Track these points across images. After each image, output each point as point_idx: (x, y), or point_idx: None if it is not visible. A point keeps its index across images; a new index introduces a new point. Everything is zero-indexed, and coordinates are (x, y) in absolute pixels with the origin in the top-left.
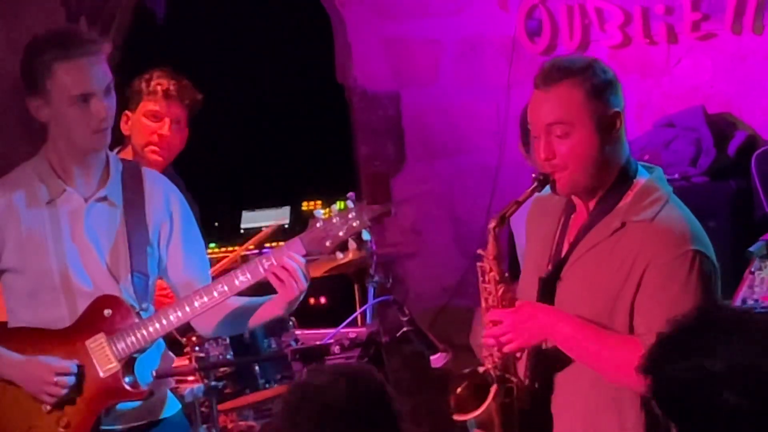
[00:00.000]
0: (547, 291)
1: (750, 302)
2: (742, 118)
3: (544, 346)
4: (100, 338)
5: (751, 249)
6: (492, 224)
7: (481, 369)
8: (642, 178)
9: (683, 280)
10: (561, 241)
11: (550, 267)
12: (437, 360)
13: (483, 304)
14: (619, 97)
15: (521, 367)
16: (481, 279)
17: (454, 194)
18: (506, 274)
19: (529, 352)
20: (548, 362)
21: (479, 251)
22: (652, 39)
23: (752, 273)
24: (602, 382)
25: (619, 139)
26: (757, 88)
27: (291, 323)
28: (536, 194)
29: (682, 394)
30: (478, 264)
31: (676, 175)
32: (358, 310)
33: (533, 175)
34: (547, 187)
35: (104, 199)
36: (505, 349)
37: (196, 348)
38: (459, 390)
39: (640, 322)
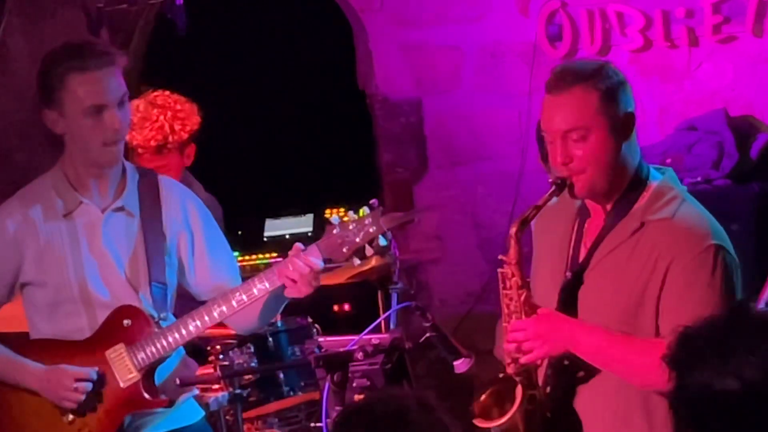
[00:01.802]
0: (568, 297)
1: None
2: (764, 121)
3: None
4: (120, 348)
5: None
6: (513, 229)
7: (503, 375)
8: (655, 180)
9: (708, 276)
10: (578, 246)
11: (569, 274)
12: (461, 365)
13: (505, 310)
14: (630, 99)
15: (541, 375)
16: (502, 285)
17: (476, 200)
18: (528, 280)
19: (549, 359)
20: (570, 369)
21: (501, 257)
22: (673, 42)
23: None
24: (628, 387)
25: (632, 141)
26: None
27: (315, 330)
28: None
29: (703, 401)
30: (499, 270)
31: (699, 179)
32: (382, 316)
33: (550, 180)
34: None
35: (121, 209)
36: (526, 358)
37: (221, 356)
38: (483, 397)
39: (667, 322)
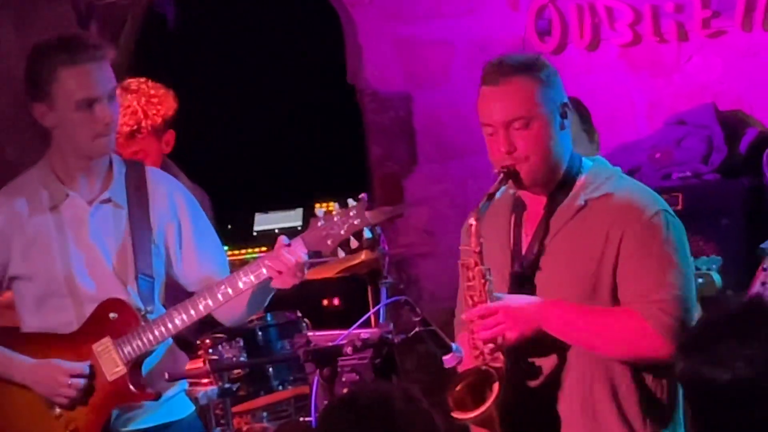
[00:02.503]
0: (522, 285)
1: None
2: (754, 115)
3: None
4: (107, 342)
5: (763, 246)
6: (472, 219)
7: (476, 367)
8: (587, 166)
9: (662, 238)
10: (518, 239)
11: (516, 266)
12: (450, 360)
13: (469, 302)
14: (563, 89)
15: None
16: (464, 277)
17: (466, 194)
18: (489, 268)
19: (507, 349)
20: (532, 354)
21: (461, 247)
22: (662, 37)
23: (765, 269)
24: (593, 372)
25: (566, 130)
26: (767, 84)
27: (304, 325)
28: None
29: (695, 386)
30: (460, 261)
31: (688, 173)
32: (371, 311)
33: (495, 171)
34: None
35: (108, 201)
36: (502, 341)
37: (210, 350)
38: (457, 389)
39: (629, 288)
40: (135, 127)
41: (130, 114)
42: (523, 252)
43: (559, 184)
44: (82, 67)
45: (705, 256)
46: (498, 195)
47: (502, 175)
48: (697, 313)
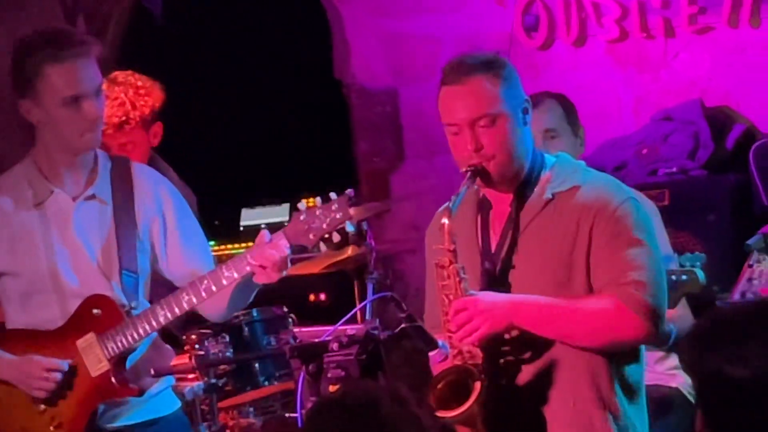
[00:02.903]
0: (494, 283)
1: (749, 295)
2: (740, 111)
3: (506, 337)
4: (90, 338)
5: (749, 242)
6: (444, 219)
7: (457, 366)
8: (551, 161)
9: (632, 223)
10: (486, 237)
11: (487, 264)
12: (436, 356)
13: (444, 301)
14: (521, 86)
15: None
16: (438, 276)
17: (453, 190)
18: (463, 266)
19: (487, 345)
20: (512, 350)
21: (435, 246)
22: (649, 33)
23: (751, 266)
24: (573, 355)
25: (528, 127)
26: (754, 80)
27: (290, 320)
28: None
29: (712, 385)
30: (434, 261)
31: (675, 169)
32: (357, 307)
33: (463, 170)
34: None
35: (93, 197)
36: (472, 338)
37: (196, 345)
38: (439, 387)
39: (602, 273)
40: (123, 118)
41: (118, 105)
42: (493, 250)
43: (524, 181)
44: (69, 64)
45: (689, 253)
46: (462, 194)
47: (469, 173)
48: (684, 309)
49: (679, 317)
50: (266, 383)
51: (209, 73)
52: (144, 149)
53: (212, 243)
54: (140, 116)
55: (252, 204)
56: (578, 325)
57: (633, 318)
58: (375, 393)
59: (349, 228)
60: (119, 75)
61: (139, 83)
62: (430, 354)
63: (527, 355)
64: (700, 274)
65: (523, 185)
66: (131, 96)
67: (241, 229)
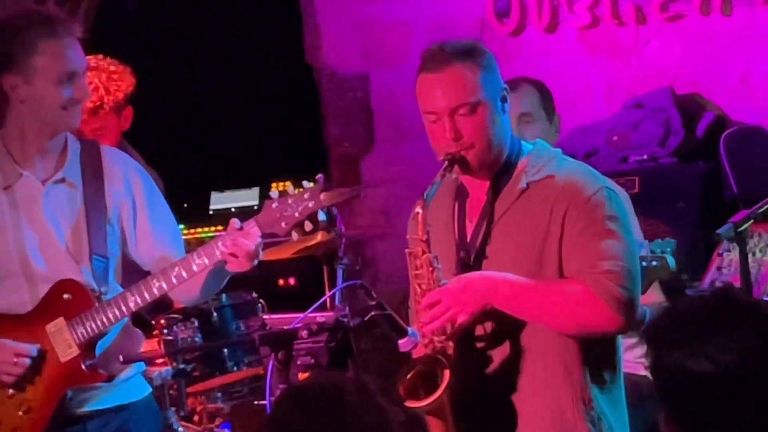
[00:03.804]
0: (469, 270)
1: (718, 284)
2: (711, 99)
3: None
4: (60, 323)
5: (719, 231)
6: (418, 208)
7: (426, 355)
8: (528, 149)
9: (605, 213)
10: (463, 225)
11: (462, 252)
12: (405, 344)
13: (417, 290)
14: (500, 73)
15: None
16: (411, 266)
17: (424, 176)
18: (436, 255)
19: (460, 339)
20: (483, 339)
21: (408, 236)
22: (620, 20)
23: (720, 255)
24: (545, 344)
25: (506, 115)
26: (725, 69)
27: (260, 306)
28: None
29: (677, 380)
30: (407, 250)
31: (645, 156)
32: (326, 295)
33: (440, 158)
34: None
35: (62, 180)
36: (458, 321)
37: (165, 330)
38: (408, 377)
39: (575, 262)
40: (98, 103)
41: (93, 90)
42: (468, 238)
43: (501, 169)
44: (63, 42)
45: (660, 239)
46: (444, 179)
47: (446, 162)
48: (659, 297)
49: (653, 303)
50: (235, 369)
51: (180, 57)
52: (115, 134)
53: (182, 226)
54: (113, 101)
55: (222, 188)
56: (551, 310)
57: (603, 307)
58: (339, 382)
59: (322, 217)
60: (91, 59)
61: (112, 68)
62: (400, 342)
63: (498, 344)
64: (671, 260)
65: (499, 173)
66: (104, 81)
67: (211, 212)
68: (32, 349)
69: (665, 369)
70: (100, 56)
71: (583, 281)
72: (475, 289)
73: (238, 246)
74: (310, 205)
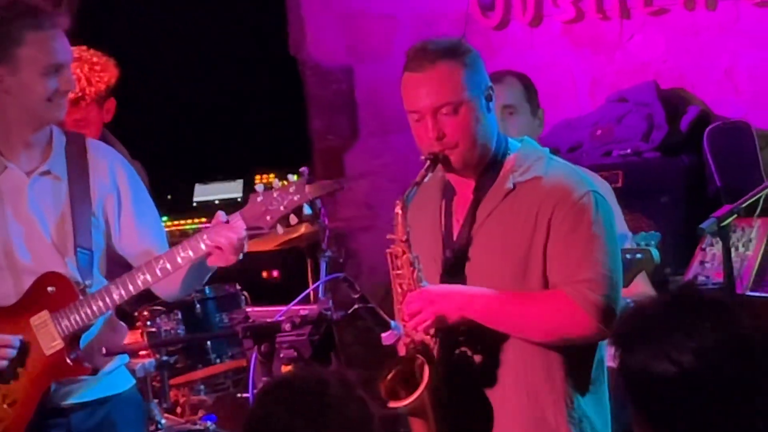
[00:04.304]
0: (452, 275)
1: (701, 278)
2: (695, 94)
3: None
4: (44, 316)
5: (702, 226)
6: (398, 208)
7: (406, 355)
8: (515, 147)
9: (590, 218)
10: (449, 224)
11: (448, 252)
12: (388, 337)
13: (398, 290)
14: (486, 71)
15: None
16: (392, 266)
17: (407, 169)
18: (417, 256)
19: (441, 337)
20: (465, 339)
21: (389, 236)
22: (605, 14)
23: (703, 249)
24: (527, 346)
25: (492, 113)
26: (709, 63)
27: (243, 298)
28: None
29: (641, 382)
30: (388, 251)
31: (629, 150)
32: (310, 288)
33: (422, 157)
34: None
35: (47, 173)
36: (426, 325)
37: (148, 323)
38: (389, 377)
39: (557, 267)
40: (80, 94)
41: (75, 81)
42: (454, 238)
43: (487, 167)
44: (50, 33)
45: (644, 232)
46: (427, 179)
47: (428, 162)
48: (647, 288)
49: (642, 294)
50: (218, 361)
51: (164, 49)
52: (97, 126)
53: (165, 218)
54: (95, 92)
55: (206, 179)
56: (529, 322)
57: (584, 317)
58: (322, 376)
59: (307, 210)
60: (74, 50)
61: (95, 59)
62: (383, 335)
63: (480, 345)
64: (655, 253)
65: (485, 172)
66: (86, 72)
67: (195, 204)
68: (15, 340)
69: (630, 370)
70: (84, 47)
71: (563, 290)
72: (453, 301)
73: (222, 239)
74: (296, 198)
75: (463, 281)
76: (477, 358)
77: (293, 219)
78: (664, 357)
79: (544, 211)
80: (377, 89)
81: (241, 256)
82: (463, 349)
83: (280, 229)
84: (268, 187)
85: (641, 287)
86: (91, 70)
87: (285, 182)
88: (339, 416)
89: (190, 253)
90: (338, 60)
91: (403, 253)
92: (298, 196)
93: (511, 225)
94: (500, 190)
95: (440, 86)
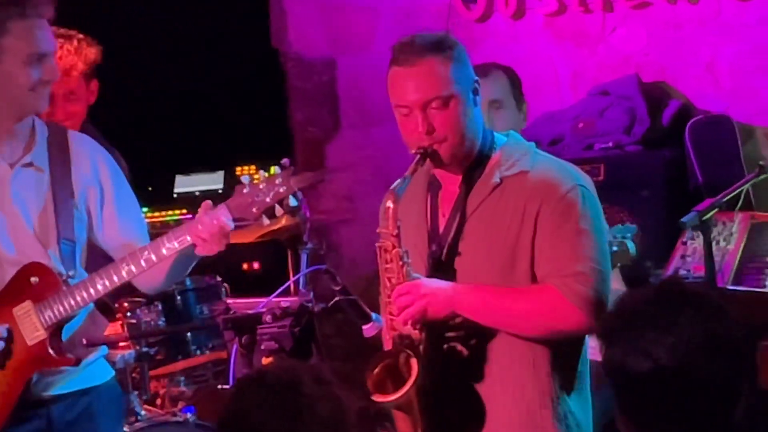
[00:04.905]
0: (439, 269)
1: (682, 272)
2: (677, 87)
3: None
4: (27, 306)
5: (683, 219)
6: (388, 202)
7: (393, 348)
8: (501, 142)
9: (578, 212)
10: (435, 218)
11: (434, 246)
12: (369, 329)
13: (386, 284)
14: (471, 65)
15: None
16: (381, 260)
17: (388, 161)
18: (407, 250)
19: (428, 332)
20: (451, 334)
21: (379, 230)
22: (587, 7)
23: (684, 243)
24: (514, 341)
25: (478, 107)
26: (691, 57)
27: (223, 290)
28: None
29: (619, 377)
30: (377, 244)
31: (610, 144)
32: (291, 279)
33: (412, 151)
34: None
35: (30, 164)
36: (416, 319)
37: (128, 314)
38: (376, 371)
39: (545, 261)
40: (70, 64)
41: (66, 53)
42: (440, 232)
43: (473, 162)
44: (34, 22)
45: (620, 225)
46: (410, 178)
47: (418, 156)
48: (618, 284)
49: (613, 291)
50: (198, 353)
51: (145, 40)
52: (84, 104)
53: (146, 209)
54: (84, 63)
55: (186, 171)
56: (518, 317)
57: (573, 311)
58: (296, 372)
59: (293, 202)
60: (61, 29)
61: (81, 36)
62: (364, 327)
63: (468, 340)
64: (631, 246)
65: (472, 166)
66: (75, 45)
67: (175, 196)
68: (2, 330)
69: (612, 365)
70: (63, 28)
71: (552, 284)
72: (443, 296)
73: (207, 229)
74: (282, 190)
75: (450, 276)
76: (464, 352)
77: (278, 210)
78: (641, 352)
79: (531, 205)
80: (359, 81)
81: (224, 247)
82: (450, 343)
83: (265, 220)
84: (254, 179)
85: (614, 284)
86: (80, 45)
87: (271, 173)
88: (312, 414)
89: (175, 244)
90: (320, 52)
91: (393, 247)
92: (284, 188)
93: (497, 219)
94: (487, 184)
95: (429, 80)
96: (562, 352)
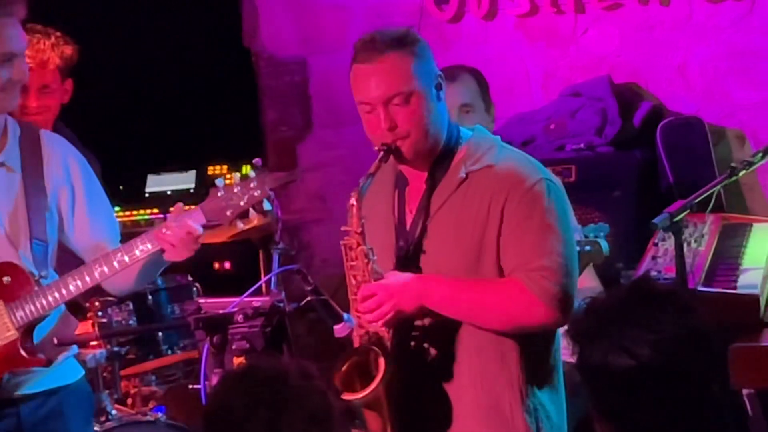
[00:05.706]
0: (406, 264)
1: (653, 273)
2: (648, 89)
3: (415, 320)
4: None
5: (655, 221)
6: (353, 199)
7: (361, 346)
8: (467, 136)
9: (543, 205)
10: (402, 213)
11: (401, 242)
12: (341, 330)
13: (352, 282)
14: (434, 61)
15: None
16: (346, 257)
17: (360, 161)
18: (372, 248)
19: (396, 329)
20: (420, 332)
21: (343, 228)
22: (559, 8)
23: (656, 244)
24: (482, 336)
25: (442, 102)
26: (663, 58)
27: (195, 289)
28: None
29: (600, 376)
30: (342, 242)
31: (582, 145)
32: (262, 279)
33: (376, 148)
34: None
35: (2, 164)
36: (385, 319)
37: (99, 313)
38: (343, 369)
39: (511, 255)
40: (47, 57)
41: (43, 48)
42: (407, 228)
43: (439, 157)
44: (4, 21)
45: (593, 224)
46: (373, 176)
47: (382, 153)
48: (593, 282)
49: (589, 289)
50: (169, 352)
51: (117, 38)
52: (57, 100)
53: (117, 209)
54: (60, 59)
55: (158, 170)
56: (484, 310)
57: (539, 305)
58: (282, 366)
59: (267, 206)
60: (36, 25)
61: (58, 33)
62: (335, 327)
63: (436, 337)
64: (604, 245)
65: (437, 162)
66: (52, 41)
67: (147, 195)
68: None
69: (589, 365)
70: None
71: (517, 278)
72: (409, 290)
73: (176, 235)
74: (256, 194)
75: (417, 271)
76: (431, 348)
77: (252, 214)
78: (623, 351)
79: (497, 199)
80: (331, 81)
81: (195, 251)
82: (417, 339)
83: (240, 224)
84: (228, 182)
85: (588, 281)
86: (56, 40)
87: (245, 174)
88: (299, 406)
89: (149, 245)
90: (292, 51)
91: (358, 245)
92: (259, 191)
93: (464, 214)
94: (453, 179)
95: (390, 77)
96: (532, 346)
